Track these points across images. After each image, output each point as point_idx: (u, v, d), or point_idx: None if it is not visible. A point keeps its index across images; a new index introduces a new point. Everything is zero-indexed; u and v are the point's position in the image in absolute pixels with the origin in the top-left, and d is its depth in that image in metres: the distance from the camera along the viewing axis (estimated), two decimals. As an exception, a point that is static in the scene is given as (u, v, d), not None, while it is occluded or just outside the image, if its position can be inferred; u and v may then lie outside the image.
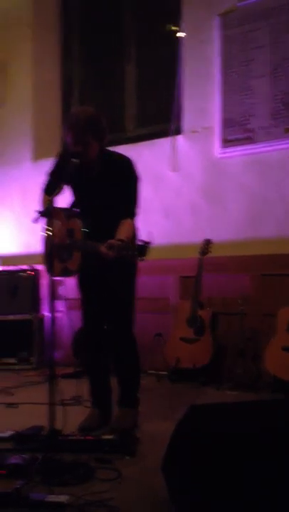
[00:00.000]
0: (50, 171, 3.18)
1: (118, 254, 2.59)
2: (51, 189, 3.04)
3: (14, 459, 2.37)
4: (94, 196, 3.04)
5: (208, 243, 4.36)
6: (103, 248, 2.65)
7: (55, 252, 2.83)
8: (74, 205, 3.15)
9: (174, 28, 5.04)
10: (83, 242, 2.89)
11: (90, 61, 6.00)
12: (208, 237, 4.39)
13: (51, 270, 2.68)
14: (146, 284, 4.34)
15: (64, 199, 3.03)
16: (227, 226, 4.63)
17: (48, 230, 2.77)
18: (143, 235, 2.68)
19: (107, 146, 3.10)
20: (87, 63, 6.04)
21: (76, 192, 3.14)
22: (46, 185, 3.18)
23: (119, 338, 3.16)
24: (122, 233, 2.80)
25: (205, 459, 1.91)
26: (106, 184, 3.01)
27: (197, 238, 4.47)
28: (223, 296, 4.48)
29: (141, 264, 3.11)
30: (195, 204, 4.83)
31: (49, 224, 2.70)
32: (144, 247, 2.52)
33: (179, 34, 4.97)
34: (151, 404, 3.49)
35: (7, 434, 2.82)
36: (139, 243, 2.56)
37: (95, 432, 2.91)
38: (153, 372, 4.39)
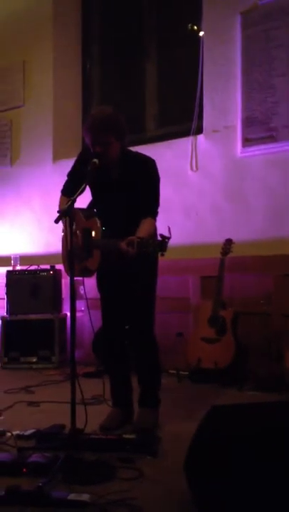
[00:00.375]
0: (69, 172, 3.19)
1: (138, 250, 2.59)
2: (70, 190, 3.04)
3: (35, 457, 2.38)
4: (115, 196, 3.04)
5: (229, 243, 4.34)
6: (123, 245, 2.64)
7: (74, 253, 2.82)
8: (93, 205, 3.15)
9: (195, 28, 5.03)
10: (103, 241, 2.89)
11: (111, 60, 6.01)
12: (230, 237, 4.36)
13: (70, 270, 2.68)
14: (167, 283, 4.35)
15: (82, 199, 3.03)
16: (249, 226, 4.60)
17: (66, 230, 2.77)
18: (162, 231, 2.67)
19: (128, 146, 3.10)
20: (107, 63, 6.05)
21: (97, 192, 3.14)
22: (65, 185, 3.18)
23: (139, 337, 3.15)
24: (143, 231, 2.79)
25: (226, 459, 1.90)
26: (128, 184, 3.01)
27: (218, 238, 4.44)
28: (245, 296, 4.45)
29: (162, 264, 3.10)
30: (216, 204, 4.80)
31: (69, 224, 2.70)
32: (163, 243, 2.51)
33: (200, 34, 4.96)
34: (172, 404, 3.48)
35: (28, 432, 2.83)
36: (159, 238, 2.55)
37: (116, 431, 2.91)
38: (174, 372, 4.37)
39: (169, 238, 2.53)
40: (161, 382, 3.21)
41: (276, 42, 4.51)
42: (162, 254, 2.57)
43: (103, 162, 2.88)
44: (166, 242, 2.52)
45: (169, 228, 2.55)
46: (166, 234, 2.53)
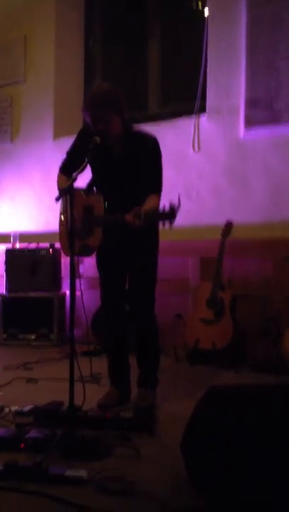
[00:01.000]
0: (69, 150, 3.16)
1: (145, 222, 2.57)
2: (69, 168, 3.02)
3: (33, 433, 2.40)
4: (117, 174, 3.02)
5: (230, 225, 4.33)
6: (129, 217, 2.63)
7: (73, 232, 2.81)
8: (95, 183, 3.13)
9: (200, 6, 4.96)
10: (106, 216, 2.88)
11: (113, 39, 5.93)
12: (231, 219, 4.36)
13: (68, 249, 2.66)
14: (166, 265, 4.33)
15: (81, 178, 3.01)
16: (250, 208, 4.59)
17: (66, 208, 2.75)
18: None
19: (130, 124, 3.07)
20: (110, 41, 5.97)
21: (98, 170, 3.11)
22: (64, 163, 3.16)
23: (139, 319, 3.15)
24: (149, 205, 2.77)
25: (223, 440, 1.91)
26: (130, 162, 2.99)
27: (219, 220, 4.43)
28: (244, 278, 4.45)
29: (161, 245, 3.09)
30: (218, 185, 4.79)
31: (69, 202, 2.68)
32: (172, 211, 2.47)
33: (205, 12, 4.89)
34: (170, 384, 3.50)
35: (27, 408, 2.85)
36: (167, 208, 2.50)
37: (113, 409, 2.93)
38: (172, 353, 4.39)
39: (178, 207, 2.48)
40: (160, 363, 3.23)
41: (282, 23, 4.45)
42: (170, 225, 2.53)
43: (106, 139, 2.85)
44: (176, 211, 2.48)
45: (179, 197, 2.50)
46: (176, 203, 2.48)
